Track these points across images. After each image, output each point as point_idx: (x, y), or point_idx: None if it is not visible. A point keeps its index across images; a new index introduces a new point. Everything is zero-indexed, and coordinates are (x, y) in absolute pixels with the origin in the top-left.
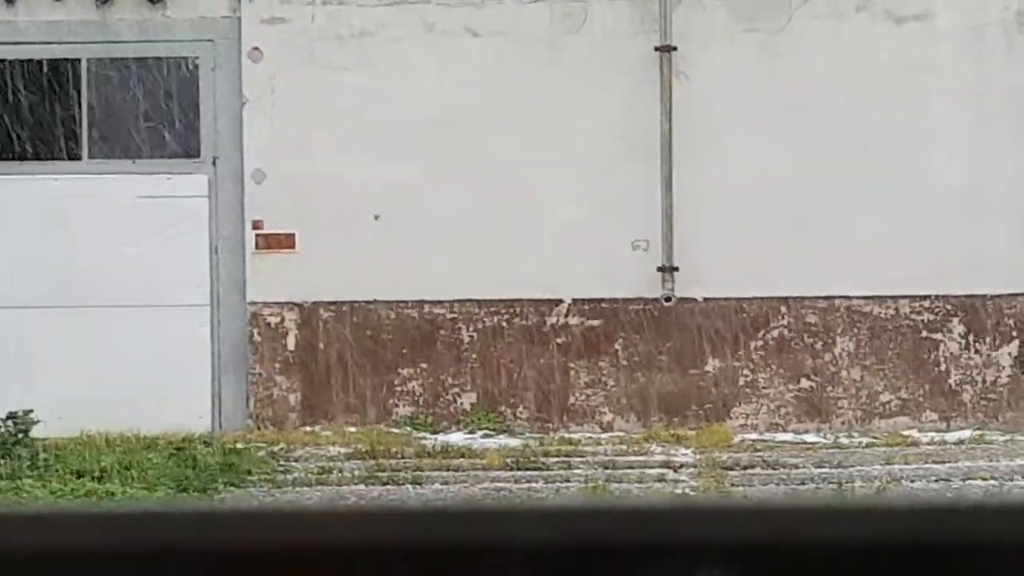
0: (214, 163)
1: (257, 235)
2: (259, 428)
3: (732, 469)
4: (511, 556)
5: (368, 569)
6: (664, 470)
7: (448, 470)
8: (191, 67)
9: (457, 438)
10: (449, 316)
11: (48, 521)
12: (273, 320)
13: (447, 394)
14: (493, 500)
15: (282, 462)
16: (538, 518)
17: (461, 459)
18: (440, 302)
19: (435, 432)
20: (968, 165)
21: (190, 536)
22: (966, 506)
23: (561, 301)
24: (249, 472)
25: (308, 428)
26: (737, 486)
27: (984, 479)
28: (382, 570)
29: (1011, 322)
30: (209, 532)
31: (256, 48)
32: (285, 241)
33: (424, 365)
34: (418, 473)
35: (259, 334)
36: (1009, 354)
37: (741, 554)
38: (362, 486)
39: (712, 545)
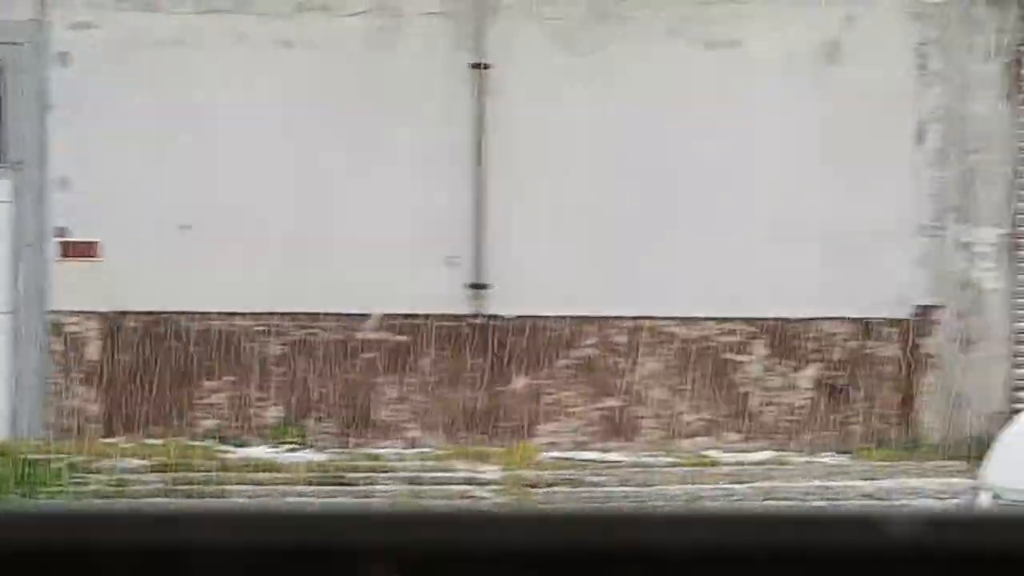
0: (18, 168)
1: (60, 243)
2: (58, 439)
3: (536, 487)
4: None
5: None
6: (468, 487)
7: (250, 484)
8: None
9: (261, 452)
10: (256, 328)
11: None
12: (75, 329)
13: (252, 408)
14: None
15: (80, 474)
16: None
17: (264, 473)
18: (247, 314)
19: (239, 446)
20: (775, 191)
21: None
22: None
23: (370, 316)
24: (45, 483)
25: (108, 440)
26: (542, 503)
27: (782, 499)
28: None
29: (811, 345)
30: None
31: (64, 53)
32: (89, 249)
33: (229, 378)
34: (220, 487)
35: (60, 343)
36: (809, 377)
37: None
38: (161, 499)
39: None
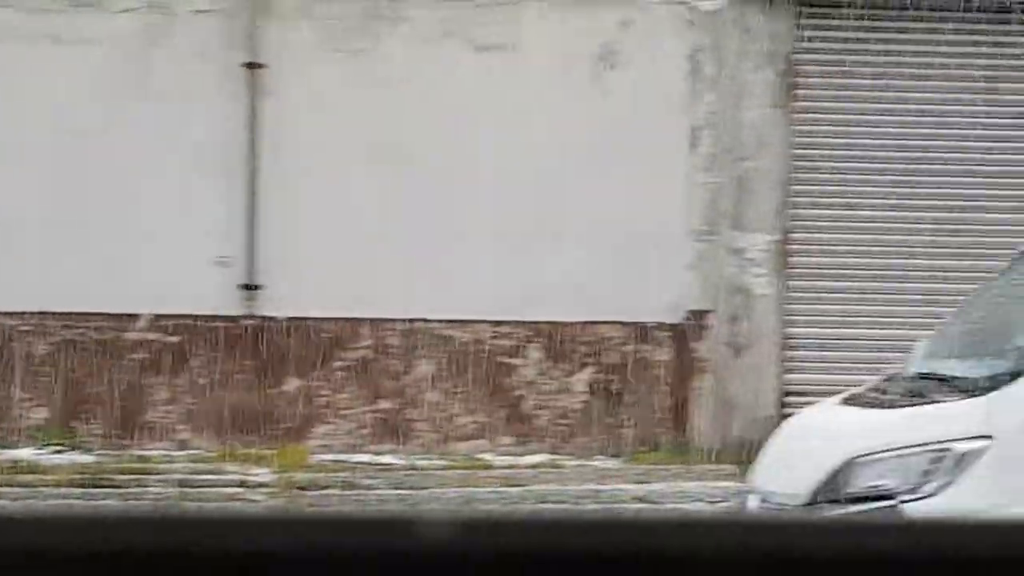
0: None
1: None
2: None
3: (308, 489)
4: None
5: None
6: (239, 489)
7: (16, 486)
8: None
9: (26, 454)
10: (21, 328)
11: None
12: None
13: (16, 409)
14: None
15: None
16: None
17: (30, 475)
18: (12, 313)
19: (3, 447)
20: (550, 195)
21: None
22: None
23: (140, 316)
24: None
25: None
26: (313, 506)
27: (556, 502)
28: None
29: (586, 349)
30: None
31: None
32: None
33: None
34: None
35: None
36: (583, 380)
37: None
38: None
39: None
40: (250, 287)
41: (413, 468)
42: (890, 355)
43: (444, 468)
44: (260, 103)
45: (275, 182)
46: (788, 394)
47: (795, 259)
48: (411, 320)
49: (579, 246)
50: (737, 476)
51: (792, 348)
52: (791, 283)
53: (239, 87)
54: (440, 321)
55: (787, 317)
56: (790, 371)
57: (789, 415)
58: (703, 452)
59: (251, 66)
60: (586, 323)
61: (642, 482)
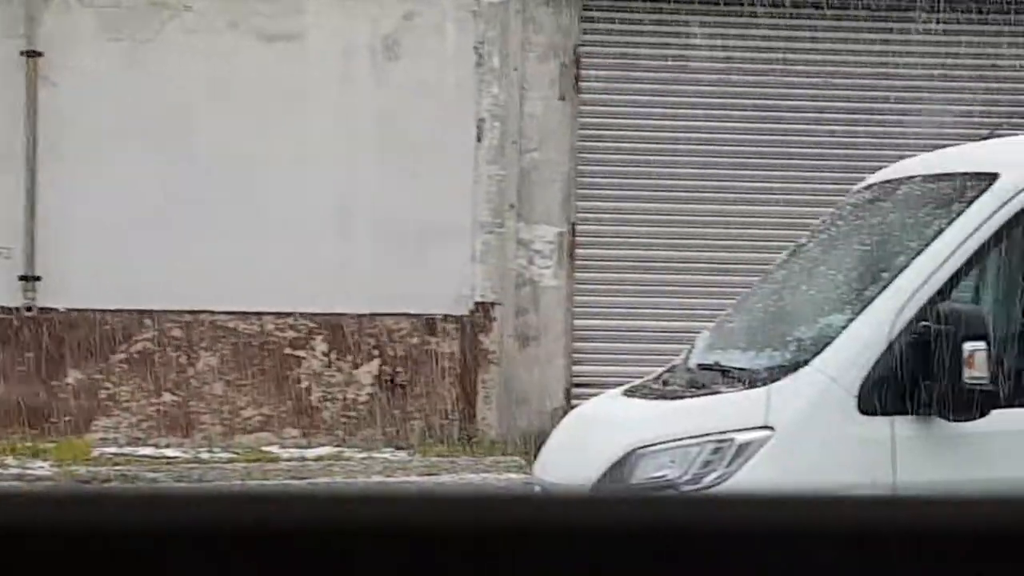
0: None
1: None
2: None
3: (90, 483)
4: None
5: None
6: (18, 483)
7: None
8: None
9: None
10: None
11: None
12: None
13: None
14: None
15: None
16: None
17: None
18: None
19: None
20: (335, 185)
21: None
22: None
23: None
24: None
25: None
26: None
27: None
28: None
29: (373, 341)
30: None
31: None
32: None
33: None
34: None
35: None
36: (369, 373)
37: None
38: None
39: None
40: (29, 278)
41: (197, 461)
42: (677, 347)
43: (228, 461)
44: (39, 92)
45: (55, 172)
46: (576, 386)
47: (582, 251)
48: (195, 312)
49: (365, 238)
50: (525, 468)
51: (579, 340)
52: (578, 275)
53: (17, 76)
54: (225, 313)
55: (574, 309)
56: (578, 363)
57: (577, 407)
58: (491, 444)
59: (29, 54)
60: (372, 315)
61: (429, 474)
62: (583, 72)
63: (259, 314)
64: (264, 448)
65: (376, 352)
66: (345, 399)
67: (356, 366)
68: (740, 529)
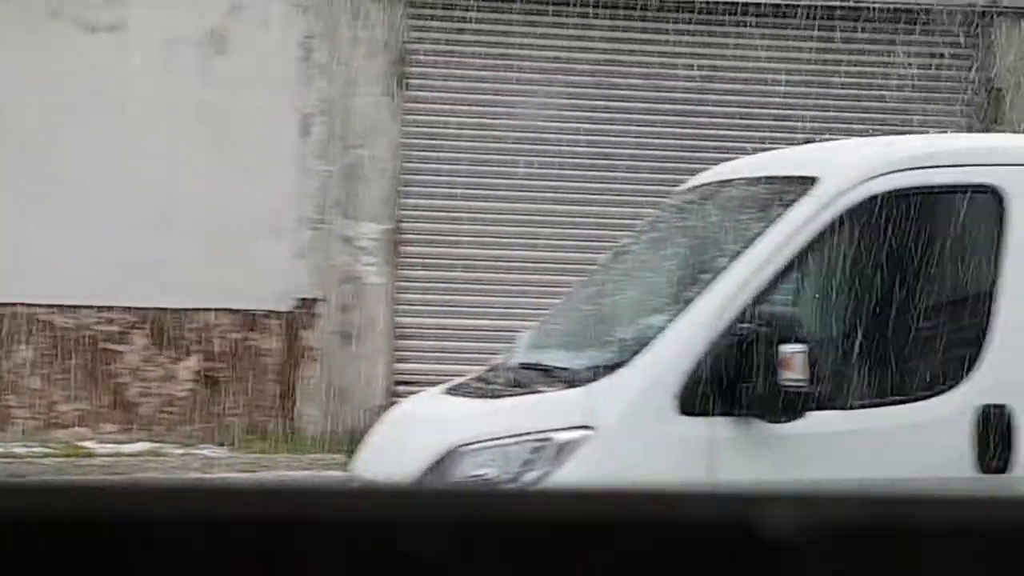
0: None
1: None
2: None
3: None
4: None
5: None
6: None
7: None
8: None
9: None
10: None
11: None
12: None
13: None
14: None
15: None
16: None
17: None
18: None
19: None
20: (158, 178)
21: None
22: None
23: None
24: None
25: None
26: None
27: None
28: None
29: (193, 336)
30: None
31: None
32: None
33: None
34: None
35: None
36: (189, 368)
37: None
38: None
39: None
40: None
41: (11, 456)
42: (500, 345)
43: (43, 456)
44: None
45: None
46: (398, 383)
47: (406, 248)
48: (11, 304)
49: (187, 232)
50: (344, 465)
51: (403, 337)
52: (402, 272)
53: None
54: (41, 306)
55: (398, 306)
56: (401, 360)
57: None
58: (312, 441)
59: None
60: (194, 310)
61: (249, 471)
62: (410, 69)
63: (77, 307)
64: (80, 443)
65: (197, 347)
66: (164, 394)
67: (176, 361)
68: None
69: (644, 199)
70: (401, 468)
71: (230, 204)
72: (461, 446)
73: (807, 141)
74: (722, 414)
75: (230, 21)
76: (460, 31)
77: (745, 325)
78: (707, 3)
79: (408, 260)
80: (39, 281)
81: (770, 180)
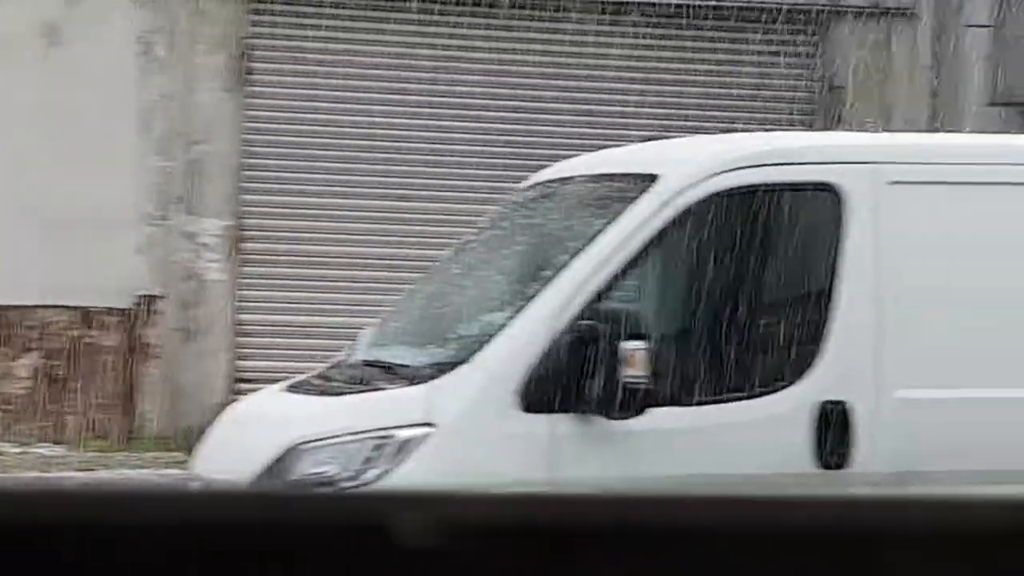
0: None
1: None
2: None
3: None
4: None
5: None
6: None
7: None
8: None
9: None
10: None
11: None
12: None
13: None
14: None
15: None
16: None
17: None
18: None
19: None
20: None
21: None
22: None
23: None
24: None
25: None
26: None
27: None
28: None
29: (31, 333)
30: None
31: None
32: None
33: None
34: None
35: None
36: (27, 365)
37: None
38: None
39: None
40: None
41: None
42: (342, 343)
43: None
44: None
45: None
46: (240, 381)
47: (248, 245)
48: None
49: (24, 227)
50: (184, 463)
51: (244, 334)
52: (244, 269)
53: None
54: None
55: (239, 303)
56: (242, 358)
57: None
58: (152, 439)
59: None
60: (31, 307)
61: (87, 469)
62: (251, 64)
63: None
64: None
65: (34, 345)
66: (1, 393)
67: (12, 359)
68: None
69: (487, 196)
70: (241, 466)
71: (68, 200)
72: (301, 444)
73: (649, 139)
74: (563, 411)
75: (66, 14)
76: (301, 26)
77: (586, 322)
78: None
79: (250, 256)
80: None
81: (611, 177)
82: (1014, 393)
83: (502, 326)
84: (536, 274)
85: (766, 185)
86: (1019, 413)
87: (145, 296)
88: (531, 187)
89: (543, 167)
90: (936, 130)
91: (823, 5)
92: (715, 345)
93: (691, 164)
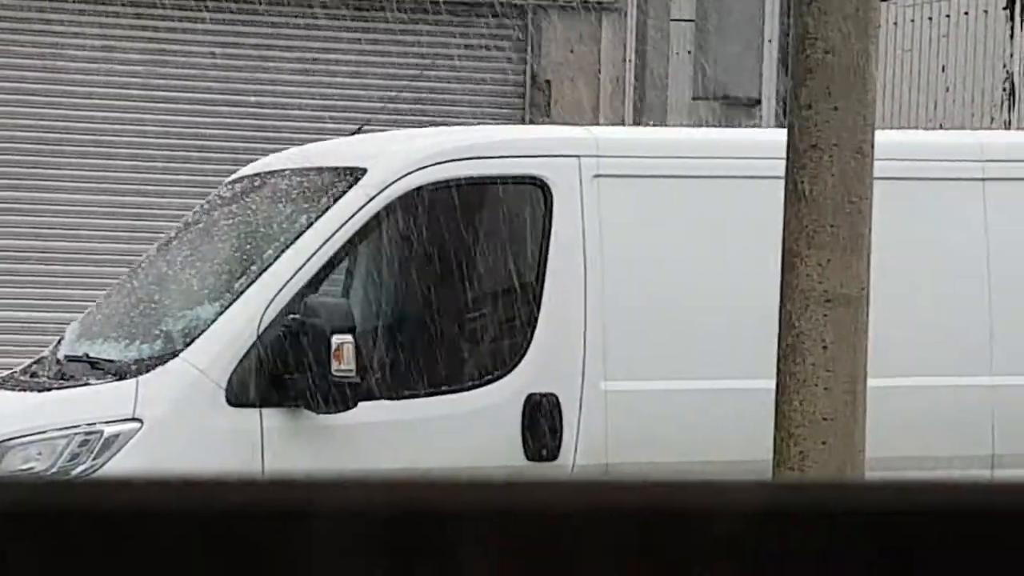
0: None
1: None
2: None
3: None
4: None
5: None
6: None
7: None
8: None
9: None
10: None
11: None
12: None
13: None
14: None
15: None
16: None
17: None
18: None
19: None
20: None
21: None
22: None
23: None
24: None
25: None
26: None
27: None
28: None
29: None
30: None
31: None
32: None
33: None
34: None
35: None
36: None
37: None
38: None
39: None
40: None
41: None
42: (48, 338)
43: None
44: None
45: None
46: None
47: None
48: None
49: None
50: None
51: None
52: None
53: None
54: None
55: None
56: None
57: None
58: None
59: None
60: None
61: None
62: None
63: None
64: None
65: None
66: None
67: None
68: None
69: (195, 190)
70: None
71: None
72: (6, 440)
73: (357, 132)
74: (272, 405)
75: None
76: (10, 19)
77: (295, 316)
78: None
79: None
80: None
81: (319, 171)
82: (717, 384)
83: (209, 321)
84: (243, 268)
85: (472, 178)
86: (722, 404)
87: None
88: (238, 180)
89: (254, 160)
90: (642, 124)
91: None
92: (425, 339)
93: (397, 157)
